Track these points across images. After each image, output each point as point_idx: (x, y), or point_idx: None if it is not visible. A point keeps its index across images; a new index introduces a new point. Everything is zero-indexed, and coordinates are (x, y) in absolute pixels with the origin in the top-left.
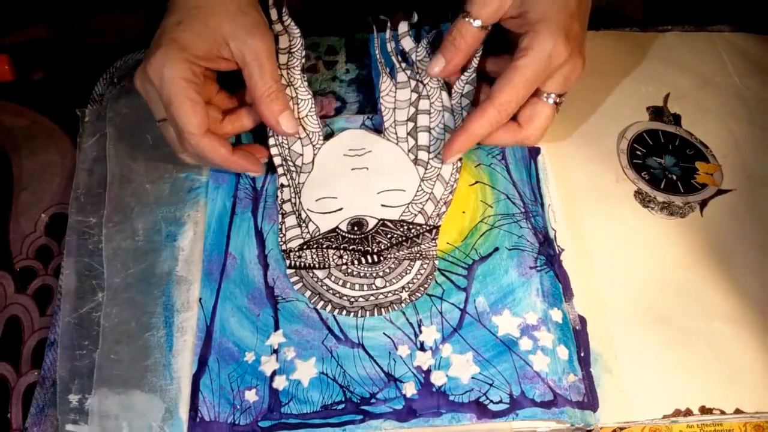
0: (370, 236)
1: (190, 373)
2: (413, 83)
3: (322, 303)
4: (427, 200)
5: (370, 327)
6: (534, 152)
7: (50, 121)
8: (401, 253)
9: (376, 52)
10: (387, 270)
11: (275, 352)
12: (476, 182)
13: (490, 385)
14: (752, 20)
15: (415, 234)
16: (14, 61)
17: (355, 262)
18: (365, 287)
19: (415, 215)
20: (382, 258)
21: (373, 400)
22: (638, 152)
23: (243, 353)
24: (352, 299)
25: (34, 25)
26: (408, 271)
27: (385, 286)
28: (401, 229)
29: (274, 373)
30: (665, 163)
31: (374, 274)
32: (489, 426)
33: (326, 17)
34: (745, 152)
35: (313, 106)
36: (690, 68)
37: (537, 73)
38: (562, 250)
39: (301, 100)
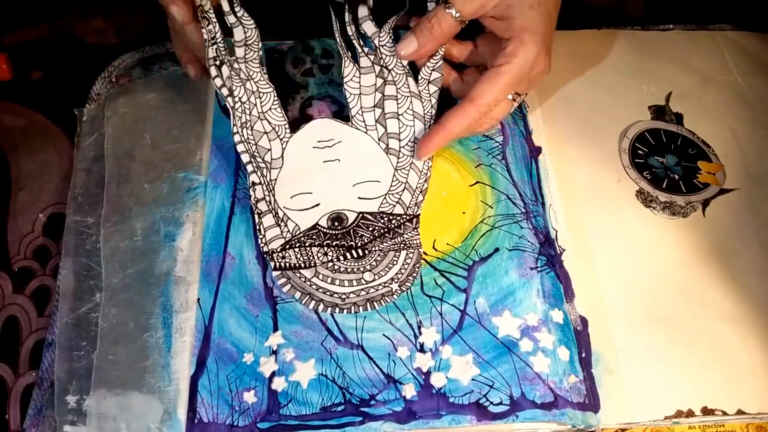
0: (351, 230)
1: (188, 374)
2: (377, 68)
3: (313, 303)
4: (403, 190)
5: (369, 328)
6: (535, 152)
7: (48, 121)
8: (385, 244)
9: (336, 36)
10: (374, 263)
11: (274, 353)
12: (476, 183)
13: (490, 386)
14: (754, 19)
15: (396, 225)
16: (13, 60)
17: (341, 258)
18: (355, 282)
19: (394, 206)
20: (367, 251)
21: (372, 402)
22: (640, 152)
23: (242, 354)
24: (344, 296)
25: (33, 24)
26: (395, 262)
27: (374, 279)
28: (382, 221)
29: (273, 375)
30: (667, 162)
31: (362, 269)
32: (489, 428)
33: (278, 16)
34: (748, 151)
35: (276, 98)
36: (692, 67)
37: (518, 79)
38: (564, 250)
39: (263, 93)
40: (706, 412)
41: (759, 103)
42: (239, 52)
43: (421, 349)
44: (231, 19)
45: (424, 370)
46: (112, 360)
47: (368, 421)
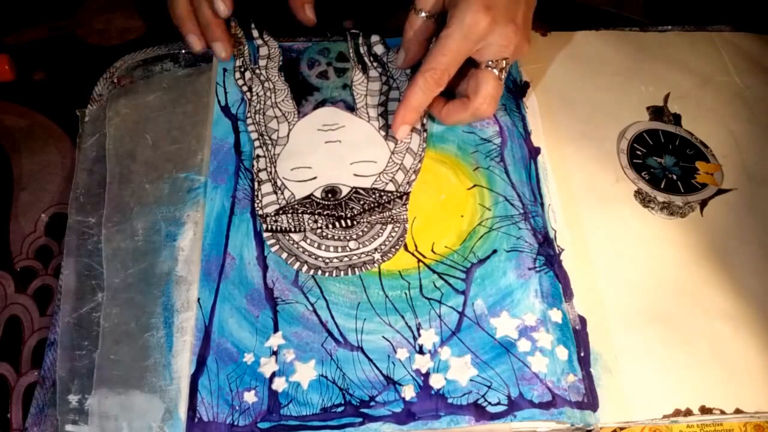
0: (343, 202)
1: (189, 374)
2: (384, 78)
3: (298, 264)
4: (397, 170)
5: (369, 330)
6: (534, 152)
7: (50, 122)
8: (373, 217)
9: (350, 53)
10: (360, 233)
11: (274, 353)
12: (474, 186)
13: (488, 387)
14: (752, 20)
15: (386, 200)
16: (15, 61)
17: (329, 226)
18: (340, 249)
19: (386, 183)
20: (355, 222)
21: (372, 403)
22: (638, 152)
23: (242, 354)
24: (327, 260)
25: (35, 25)
26: (380, 234)
27: (358, 248)
28: (373, 196)
29: (273, 375)
30: (665, 162)
31: (348, 237)
32: (488, 428)
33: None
34: (746, 152)
35: (290, 93)
36: (690, 68)
37: (459, 42)
38: (562, 250)
39: (278, 90)
40: (705, 411)
41: (757, 104)
42: (262, 63)
43: (420, 351)
44: (258, 41)
45: (423, 371)
46: (114, 359)
47: (368, 422)
